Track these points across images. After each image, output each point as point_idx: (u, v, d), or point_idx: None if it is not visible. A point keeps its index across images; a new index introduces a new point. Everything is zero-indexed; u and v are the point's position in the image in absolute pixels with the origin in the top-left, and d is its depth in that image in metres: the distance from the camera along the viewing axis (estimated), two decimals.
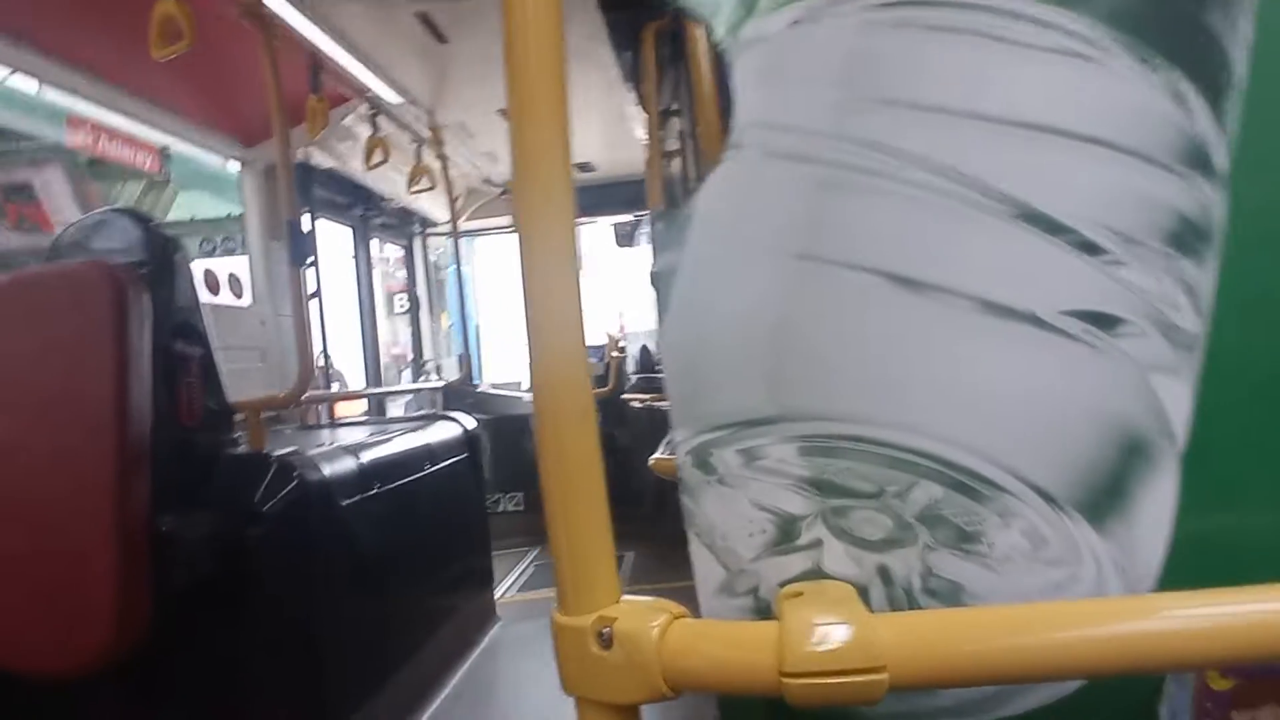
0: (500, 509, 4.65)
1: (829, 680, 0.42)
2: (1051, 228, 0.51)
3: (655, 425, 3.70)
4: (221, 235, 4.63)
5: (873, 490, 0.52)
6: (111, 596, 1.41)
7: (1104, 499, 0.52)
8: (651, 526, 3.38)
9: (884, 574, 0.53)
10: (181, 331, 1.73)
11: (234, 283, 3.10)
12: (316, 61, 2.60)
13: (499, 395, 5.48)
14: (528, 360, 0.50)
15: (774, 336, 0.52)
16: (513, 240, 0.49)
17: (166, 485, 1.57)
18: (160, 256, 1.74)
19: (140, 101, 2.68)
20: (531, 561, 4.13)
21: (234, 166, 3.39)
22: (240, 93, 2.95)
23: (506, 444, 4.65)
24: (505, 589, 3.57)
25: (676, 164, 2.86)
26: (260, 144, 3.31)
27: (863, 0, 0.50)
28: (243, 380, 2.05)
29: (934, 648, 0.43)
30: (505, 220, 5.31)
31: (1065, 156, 0.51)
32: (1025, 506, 0.52)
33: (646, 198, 3.71)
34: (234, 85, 2.89)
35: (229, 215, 4.51)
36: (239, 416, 1.97)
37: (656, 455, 1.57)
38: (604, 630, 0.47)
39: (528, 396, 5.22)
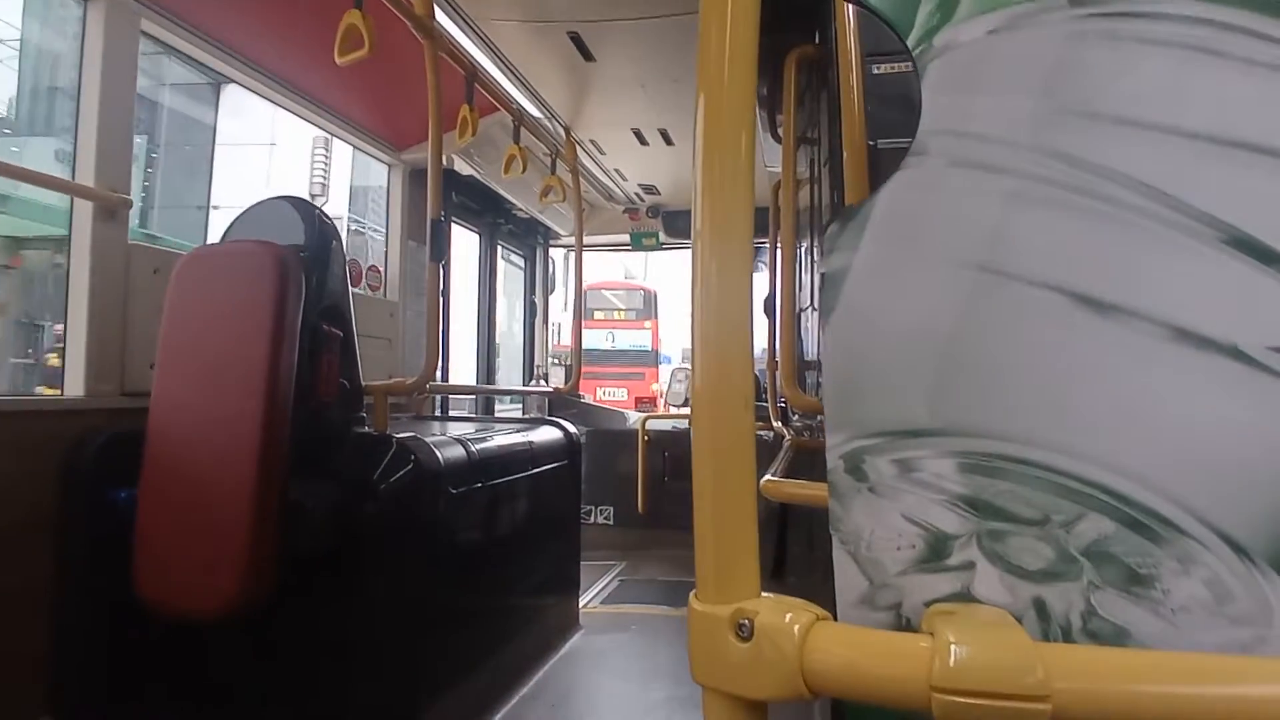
0: (591, 520, 4.70)
1: (984, 702, 0.40)
2: (1264, 256, 0.47)
3: (760, 451, 3.64)
4: None
5: (1036, 517, 0.50)
6: (248, 549, 1.52)
7: None
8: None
9: (1040, 607, 0.50)
10: (330, 313, 1.87)
11: (373, 274, 3.31)
12: (472, 74, 2.74)
13: (601, 409, 5.56)
14: (692, 355, 0.50)
15: (942, 347, 0.51)
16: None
17: (301, 453, 1.68)
18: (320, 242, 1.88)
19: (319, 106, 2.93)
20: (616, 576, 4.14)
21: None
22: (394, 101, 3.17)
23: (604, 458, 4.70)
24: (588, 599, 3.59)
25: (804, 193, 2.84)
26: (407, 149, 3.54)
27: (1071, 10, 0.49)
28: (368, 366, 2.18)
29: (1104, 685, 0.41)
30: (624, 237, 5.41)
31: None
32: (1209, 554, 0.48)
33: (770, 225, 3.70)
34: (390, 94, 3.11)
35: None
36: (367, 398, 2.09)
37: (766, 478, 1.54)
38: (744, 622, 0.47)
39: (630, 413, 5.29)
